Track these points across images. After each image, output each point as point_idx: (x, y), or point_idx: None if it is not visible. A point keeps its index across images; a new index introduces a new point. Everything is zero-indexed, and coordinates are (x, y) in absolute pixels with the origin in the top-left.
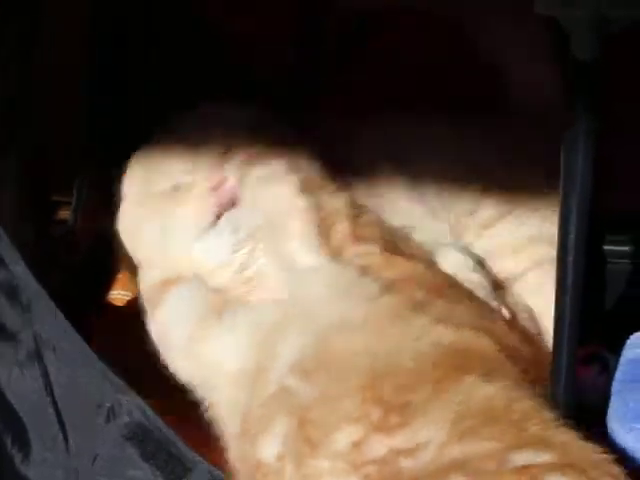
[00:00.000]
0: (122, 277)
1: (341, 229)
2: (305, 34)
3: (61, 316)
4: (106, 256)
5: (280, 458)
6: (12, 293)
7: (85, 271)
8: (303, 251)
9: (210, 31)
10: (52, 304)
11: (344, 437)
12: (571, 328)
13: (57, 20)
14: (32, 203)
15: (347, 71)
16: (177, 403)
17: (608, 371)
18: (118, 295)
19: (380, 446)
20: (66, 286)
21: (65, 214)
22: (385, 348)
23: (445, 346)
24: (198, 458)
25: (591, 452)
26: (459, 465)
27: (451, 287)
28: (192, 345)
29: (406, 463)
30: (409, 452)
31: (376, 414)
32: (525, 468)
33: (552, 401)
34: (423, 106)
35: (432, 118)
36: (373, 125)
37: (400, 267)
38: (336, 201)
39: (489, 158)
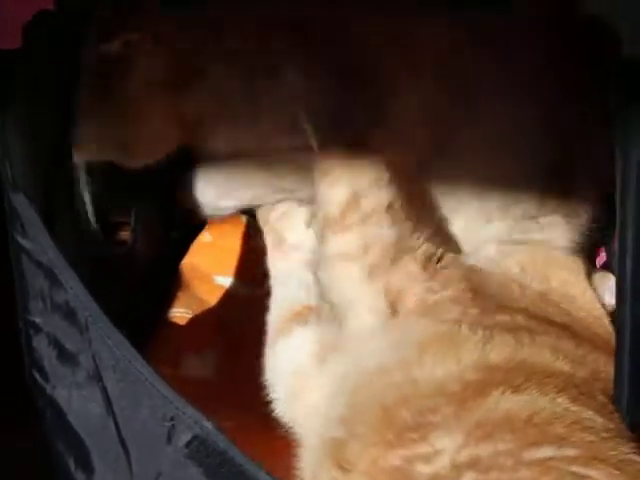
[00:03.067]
0: (182, 295)
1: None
2: None
3: (120, 336)
4: (166, 275)
5: None
6: (70, 314)
7: (145, 290)
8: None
9: None
10: (111, 324)
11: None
12: (633, 337)
13: None
14: (92, 225)
15: None
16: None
17: None
18: (177, 313)
19: (395, 457)
20: (126, 305)
21: (125, 235)
22: (424, 376)
23: (487, 365)
24: (261, 472)
25: (621, 450)
26: (473, 464)
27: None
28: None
29: (420, 468)
30: (424, 458)
31: (392, 436)
32: (544, 461)
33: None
34: None
35: None
36: None
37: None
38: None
39: None
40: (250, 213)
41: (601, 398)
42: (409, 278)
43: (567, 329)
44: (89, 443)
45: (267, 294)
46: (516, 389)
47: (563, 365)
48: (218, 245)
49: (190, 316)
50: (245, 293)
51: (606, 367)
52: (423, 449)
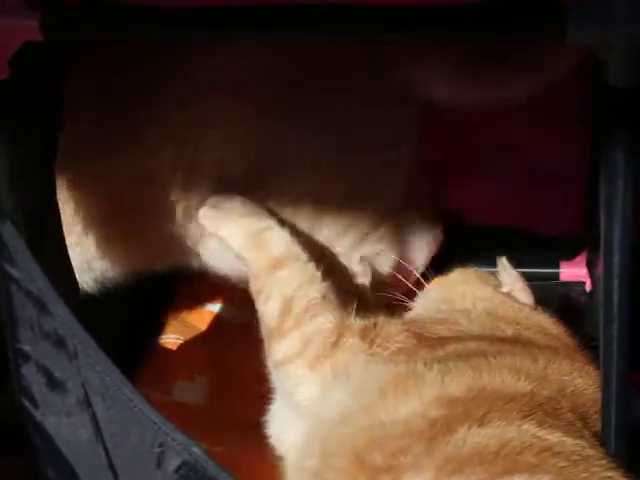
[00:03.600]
0: (174, 322)
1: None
2: None
3: (109, 363)
4: (156, 301)
5: None
6: (59, 342)
7: (135, 316)
8: None
9: None
10: (100, 351)
11: None
12: (620, 360)
13: None
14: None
15: None
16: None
17: None
18: (169, 339)
19: None
20: (116, 332)
21: None
22: (390, 417)
23: (448, 399)
24: None
25: (593, 472)
26: None
27: None
28: None
29: None
30: None
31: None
32: None
33: (604, 430)
34: None
35: None
36: None
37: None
38: None
39: None
40: None
41: (568, 416)
42: (352, 353)
43: (520, 340)
44: (79, 470)
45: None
46: (481, 422)
47: (525, 385)
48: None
49: (181, 342)
50: (236, 319)
51: (571, 375)
52: None
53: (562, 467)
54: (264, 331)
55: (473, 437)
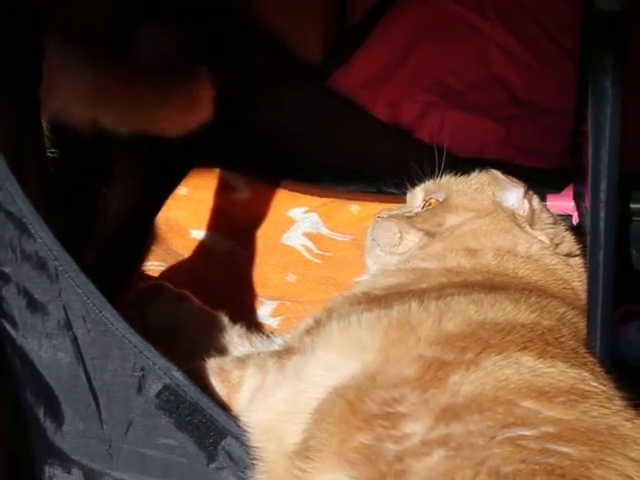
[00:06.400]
0: (157, 249)
1: None
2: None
3: (91, 286)
4: (141, 227)
5: None
6: (40, 264)
7: (119, 243)
8: None
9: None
10: (82, 274)
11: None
12: (605, 286)
13: None
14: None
15: None
16: None
17: None
18: (152, 266)
19: (364, 438)
20: (99, 257)
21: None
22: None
23: (445, 336)
24: (231, 422)
25: (591, 415)
26: (443, 442)
27: None
28: None
29: (390, 446)
30: (394, 439)
31: (360, 422)
32: (515, 439)
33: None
34: None
35: None
36: None
37: None
38: None
39: None
40: (226, 166)
41: (571, 343)
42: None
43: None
44: (59, 392)
45: (243, 248)
46: (476, 363)
47: (527, 315)
48: (194, 199)
49: (164, 269)
50: (221, 247)
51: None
52: (393, 433)
53: (560, 413)
54: None
55: (468, 385)
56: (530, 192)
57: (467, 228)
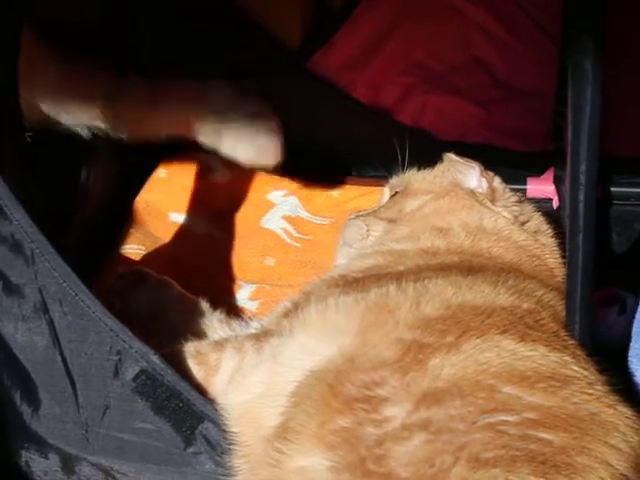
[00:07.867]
0: (136, 232)
1: None
2: None
3: (67, 269)
4: (119, 210)
5: None
6: (16, 246)
7: (96, 225)
8: None
9: None
10: (58, 257)
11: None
12: (584, 269)
13: None
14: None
15: None
16: None
17: (627, 311)
18: (131, 250)
19: (344, 421)
20: (77, 240)
21: None
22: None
23: (423, 320)
24: (208, 406)
25: (573, 401)
26: (424, 426)
27: None
28: None
29: (371, 430)
30: (375, 423)
31: (340, 405)
32: (496, 425)
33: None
34: None
35: None
36: None
37: None
38: None
39: None
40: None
41: (552, 326)
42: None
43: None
44: (35, 376)
45: (222, 231)
46: (456, 346)
47: (506, 298)
48: (173, 181)
49: (143, 253)
50: (200, 230)
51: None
52: (374, 416)
53: (541, 399)
54: None
55: (449, 368)
56: (489, 172)
57: (427, 210)
